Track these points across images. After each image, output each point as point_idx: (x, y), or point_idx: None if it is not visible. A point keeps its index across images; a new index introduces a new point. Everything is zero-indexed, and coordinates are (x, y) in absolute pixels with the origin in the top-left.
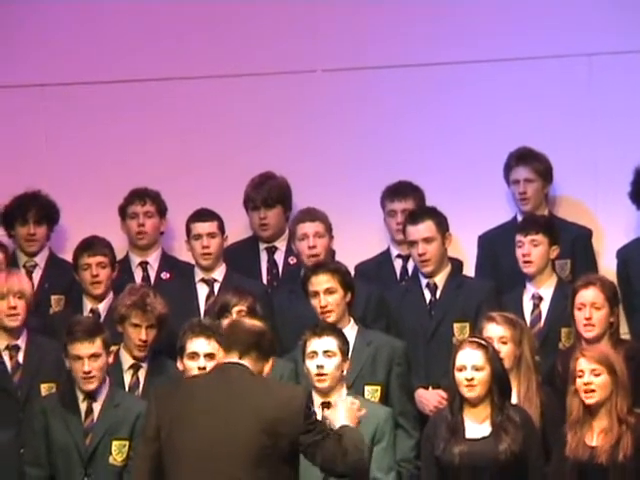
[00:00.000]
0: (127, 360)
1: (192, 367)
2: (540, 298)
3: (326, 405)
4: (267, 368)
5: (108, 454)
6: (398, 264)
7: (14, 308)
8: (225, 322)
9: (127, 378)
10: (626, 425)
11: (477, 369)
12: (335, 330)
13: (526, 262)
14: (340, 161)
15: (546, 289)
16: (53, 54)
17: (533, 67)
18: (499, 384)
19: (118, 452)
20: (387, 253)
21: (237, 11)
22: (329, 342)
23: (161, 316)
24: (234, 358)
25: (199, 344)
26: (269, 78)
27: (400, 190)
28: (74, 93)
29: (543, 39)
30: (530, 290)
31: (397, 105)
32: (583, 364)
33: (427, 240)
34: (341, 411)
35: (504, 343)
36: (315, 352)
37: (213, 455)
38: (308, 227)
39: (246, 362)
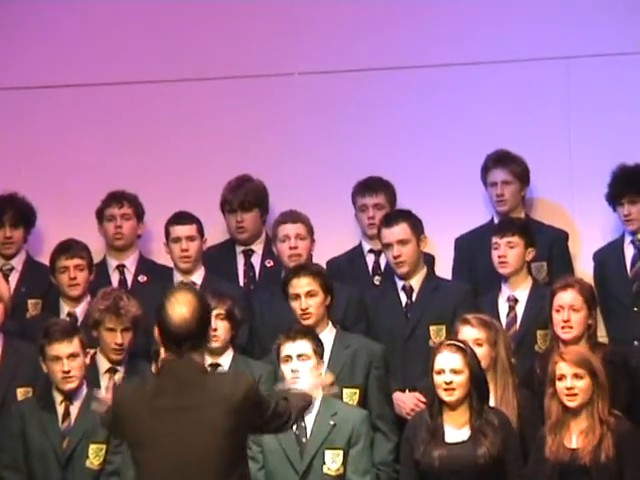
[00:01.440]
0: (104, 364)
1: None
2: (516, 300)
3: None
4: (208, 338)
5: (85, 457)
6: (370, 259)
7: None
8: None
9: (104, 382)
10: (607, 426)
11: (456, 372)
12: (309, 333)
13: (502, 263)
14: (317, 164)
15: (522, 291)
16: (34, 57)
17: (510, 70)
18: (477, 387)
19: (95, 456)
20: (359, 248)
21: (215, 14)
22: (303, 345)
23: (135, 318)
24: (175, 355)
25: None
26: (246, 81)
27: (371, 185)
28: (52, 96)
29: (520, 42)
30: (506, 292)
31: (373, 107)
32: (564, 368)
33: (402, 242)
34: (308, 379)
35: (479, 345)
36: (289, 356)
37: (180, 458)
38: (289, 228)
39: (189, 355)
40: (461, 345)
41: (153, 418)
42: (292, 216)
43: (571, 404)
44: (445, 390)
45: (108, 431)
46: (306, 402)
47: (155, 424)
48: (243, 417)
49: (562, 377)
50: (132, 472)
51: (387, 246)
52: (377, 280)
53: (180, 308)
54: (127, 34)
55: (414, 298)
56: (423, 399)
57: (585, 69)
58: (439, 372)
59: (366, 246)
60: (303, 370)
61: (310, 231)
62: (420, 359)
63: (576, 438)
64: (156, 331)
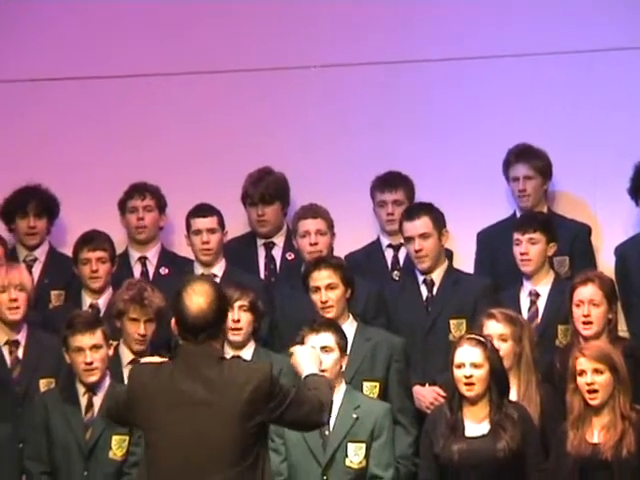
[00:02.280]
0: (126, 355)
1: None
2: (537, 295)
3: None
4: (225, 328)
5: (108, 449)
6: (389, 254)
7: (15, 301)
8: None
9: (126, 373)
10: (629, 421)
11: (476, 366)
12: (332, 326)
13: (524, 260)
14: (337, 157)
15: (543, 286)
16: (53, 48)
17: (533, 64)
18: (497, 381)
19: (118, 447)
20: (377, 243)
21: (234, 6)
22: (327, 338)
23: (159, 310)
24: (192, 343)
25: None
26: (268, 74)
27: (390, 181)
28: (75, 88)
29: (544, 36)
30: (527, 287)
31: (394, 101)
32: (584, 363)
33: (424, 236)
34: (303, 359)
35: (504, 340)
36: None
37: (191, 445)
38: (310, 224)
39: (206, 342)
40: (481, 339)
41: (167, 403)
42: (312, 211)
43: (593, 402)
44: (465, 384)
45: (110, 419)
46: (330, 387)
47: (169, 409)
48: (257, 405)
49: (582, 372)
50: None
51: (409, 240)
52: (396, 275)
53: (197, 298)
54: (146, 27)
55: (435, 292)
56: (443, 393)
57: (608, 63)
58: (459, 366)
59: (384, 241)
60: (326, 362)
61: (330, 225)
62: (440, 353)
63: (598, 433)
64: (173, 321)
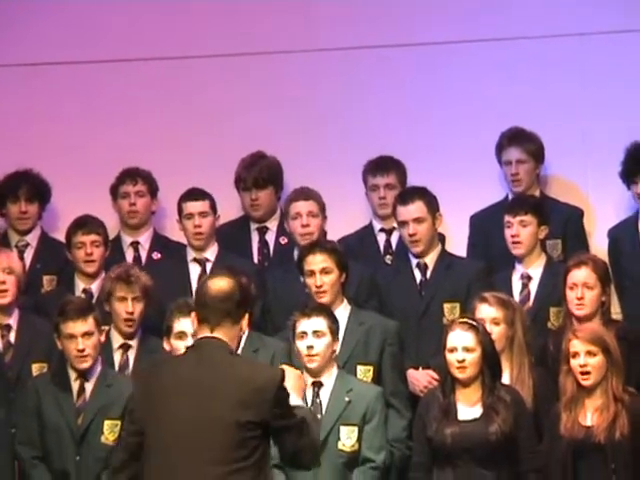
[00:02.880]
0: (117, 339)
1: (179, 347)
2: (529, 278)
3: (317, 384)
4: (244, 324)
5: (100, 434)
6: (382, 238)
7: (3, 283)
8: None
9: (117, 357)
10: (622, 403)
11: (468, 350)
12: (324, 310)
13: (515, 243)
14: (331, 140)
15: (535, 269)
16: (43, 33)
17: (525, 47)
18: (490, 365)
19: (110, 431)
20: (370, 227)
21: None
22: (318, 322)
23: (146, 287)
24: (207, 332)
25: (186, 324)
26: (259, 58)
27: (382, 165)
28: (67, 72)
29: (534, 19)
30: (519, 270)
31: (386, 84)
32: (577, 345)
33: (418, 220)
34: (289, 382)
35: (496, 324)
36: (305, 332)
37: (187, 446)
38: (301, 206)
39: (220, 334)
40: (473, 323)
41: (167, 393)
42: (304, 193)
43: (586, 383)
44: (457, 368)
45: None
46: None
47: (170, 399)
48: (260, 404)
49: (575, 354)
50: None
51: (402, 224)
52: (388, 259)
53: (220, 282)
54: (139, 11)
55: (428, 275)
56: (436, 376)
57: (600, 45)
58: (452, 350)
59: (377, 225)
60: (318, 346)
61: (322, 208)
62: (434, 337)
63: (591, 415)
64: (193, 315)
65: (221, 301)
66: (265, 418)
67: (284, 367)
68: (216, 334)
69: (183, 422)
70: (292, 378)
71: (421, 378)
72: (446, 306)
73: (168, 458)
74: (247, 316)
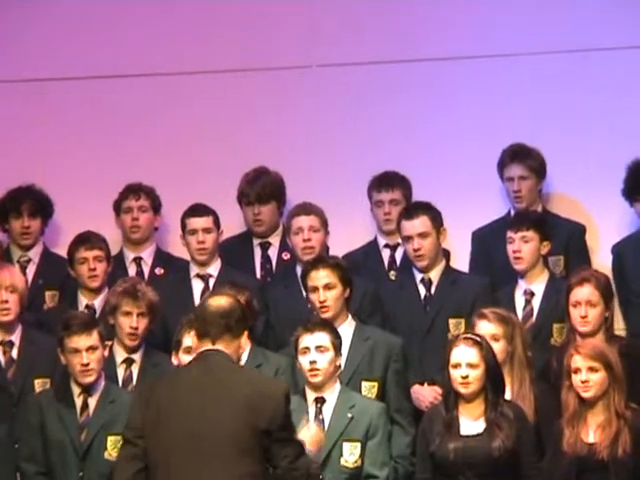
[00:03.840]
0: (120, 354)
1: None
2: (532, 294)
3: (320, 400)
4: (243, 341)
5: (104, 449)
6: (386, 254)
7: (5, 302)
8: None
9: (120, 372)
10: (624, 420)
11: (472, 366)
12: (327, 325)
13: (517, 259)
14: (333, 157)
15: (538, 285)
16: (45, 49)
17: (527, 63)
18: (493, 381)
19: (113, 447)
20: (374, 243)
21: (230, 5)
22: (321, 337)
23: (152, 304)
24: (208, 345)
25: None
26: (264, 74)
27: (386, 180)
28: (70, 88)
29: (537, 35)
30: (522, 286)
31: (392, 101)
32: (579, 361)
33: (422, 235)
34: (309, 436)
35: (496, 340)
36: (307, 348)
37: (198, 447)
38: (303, 221)
39: (221, 347)
40: (477, 339)
41: (172, 402)
42: (305, 208)
43: (586, 394)
44: (461, 384)
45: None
46: (318, 473)
47: (173, 407)
48: (264, 415)
49: (577, 370)
50: None
51: (407, 239)
52: (393, 275)
53: (220, 299)
54: (141, 25)
55: (433, 291)
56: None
57: (603, 62)
58: (455, 366)
59: (381, 241)
60: (321, 362)
61: (324, 223)
62: (439, 352)
63: (593, 432)
64: (193, 333)
65: (221, 317)
66: (271, 426)
67: (310, 424)
68: (217, 347)
69: (191, 431)
70: (314, 436)
71: (427, 394)
72: (451, 322)
73: (177, 468)
74: (246, 333)
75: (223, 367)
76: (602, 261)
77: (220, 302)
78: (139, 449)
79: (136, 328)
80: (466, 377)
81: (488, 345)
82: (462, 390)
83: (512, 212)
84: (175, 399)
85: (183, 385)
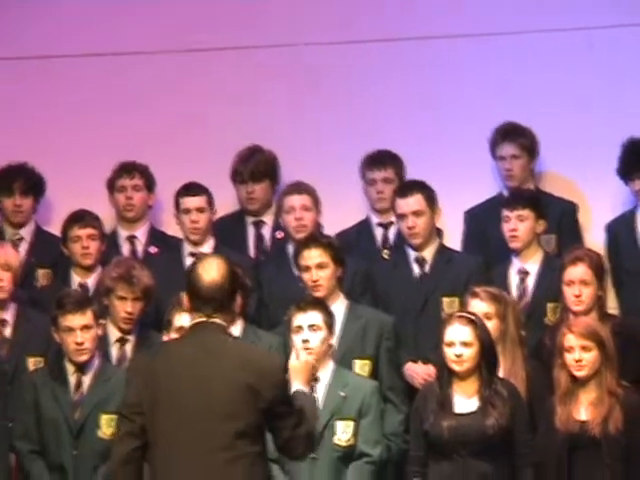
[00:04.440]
0: (114, 333)
1: None
2: (526, 272)
3: (314, 379)
4: (237, 303)
5: (97, 428)
6: (379, 232)
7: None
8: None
9: (114, 351)
10: (616, 398)
11: (466, 345)
12: (320, 304)
13: (513, 237)
14: (327, 135)
15: (532, 263)
16: (37, 26)
17: (519, 41)
18: (487, 359)
19: (107, 426)
20: (367, 222)
21: None
22: (314, 316)
23: (147, 288)
24: (202, 318)
25: (186, 318)
26: (255, 51)
27: (379, 159)
28: (61, 66)
29: (531, 13)
30: (516, 264)
31: (383, 79)
32: (572, 340)
33: (417, 213)
34: (298, 370)
35: (488, 319)
36: (300, 327)
37: (197, 427)
38: (295, 200)
39: (217, 319)
40: (472, 317)
41: (169, 377)
42: (297, 187)
43: (579, 374)
44: (455, 362)
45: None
46: (315, 429)
47: (171, 382)
48: (259, 394)
49: (570, 349)
50: None
51: (401, 217)
52: (386, 254)
53: (211, 270)
54: (134, 3)
55: (427, 269)
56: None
57: (595, 40)
58: (449, 344)
59: (374, 219)
60: (314, 341)
61: (316, 202)
62: (433, 331)
63: (585, 410)
64: (185, 298)
65: (215, 292)
66: (269, 399)
67: (298, 353)
68: (212, 320)
69: (188, 406)
70: (303, 366)
71: (420, 371)
72: (445, 300)
73: (175, 444)
74: (238, 298)
75: (219, 342)
76: (595, 240)
77: (212, 275)
78: (136, 425)
79: (131, 313)
80: (460, 355)
81: (482, 324)
82: (456, 368)
83: (504, 191)
84: (172, 376)
85: (179, 361)
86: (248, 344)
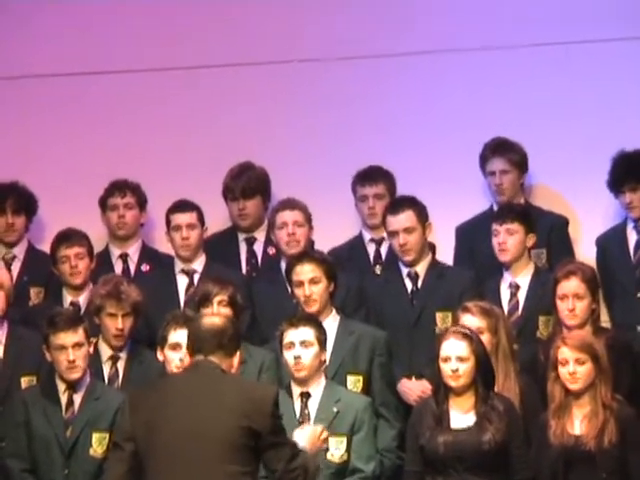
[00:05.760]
0: (105, 351)
1: (173, 358)
2: (517, 287)
3: (305, 395)
4: (235, 362)
5: (89, 446)
6: (371, 248)
7: None
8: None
9: (106, 369)
10: (610, 411)
11: (462, 360)
12: (312, 320)
13: (502, 250)
14: (319, 151)
15: (523, 277)
16: (27, 46)
17: (510, 56)
18: (483, 374)
19: (98, 444)
20: (360, 238)
21: (214, 3)
22: (306, 332)
23: (136, 304)
24: (201, 357)
25: (181, 335)
26: (247, 69)
27: (370, 175)
28: (53, 85)
29: (519, 28)
30: (507, 279)
31: (373, 95)
32: (566, 353)
33: (408, 230)
34: (305, 435)
35: (480, 333)
36: (292, 343)
37: (188, 452)
38: (287, 216)
39: (213, 359)
40: (467, 332)
41: (166, 408)
42: (289, 203)
43: (573, 387)
44: (451, 377)
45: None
46: (317, 469)
47: (168, 413)
48: (254, 417)
49: (564, 362)
50: None
51: (393, 234)
52: (378, 269)
53: (213, 318)
54: (125, 22)
55: (420, 285)
56: (430, 386)
57: (584, 54)
58: (445, 359)
59: (367, 235)
60: (306, 357)
61: (308, 218)
62: (426, 346)
63: (579, 424)
64: (186, 353)
65: (214, 335)
66: (261, 428)
67: (305, 428)
68: (210, 358)
69: (183, 434)
70: (310, 433)
71: (414, 388)
72: (438, 315)
73: (167, 469)
74: (239, 354)
75: (213, 374)
76: (586, 253)
77: (214, 320)
78: (126, 453)
79: (122, 329)
80: (456, 370)
81: (478, 338)
82: (452, 383)
83: (495, 206)
84: (165, 404)
85: (173, 390)
86: (243, 378)
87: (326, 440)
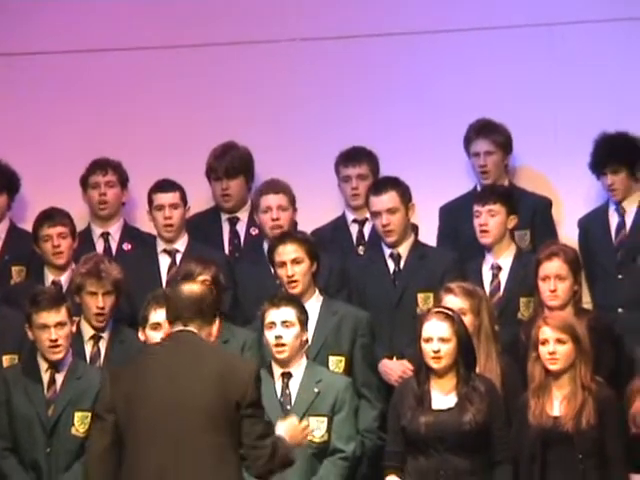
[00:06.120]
0: (88, 331)
1: (155, 337)
2: (499, 268)
3: (286, 375)
4: (214, 330)
5: (70, 425)
6: (354, 229)
7: None
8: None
9: (88, 349)
10: (589, 392)
11: (443, 340)
12: (293, 300)
13: (483, 232)
14: (302, 131)
15: (505, 259)
16: (11, 23)
17: (494, 37)
18: (465, 355)
19: (80, 423)
20: (343, 218)
21: None
22: (287, 312)
23: (117, 281)
24: (179, 327)
25: (162, 315)
26: (231, 48)
27: (353, 155)
28: (35, 62)
29: (503, 9)
30: (489, 260)
31: (358, 76)
32: (547, 332)
33: (391, 211)
34: (287, 427)
35: (463, 314)
36: (273, 323)
37: (170, 423)
38: (271, 199)
39: (192, 328)
40: (449, 313)
41: (145, 384)
42: (274, 186)
43: (553, 367)
44: (433, 358)
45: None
46: (289, 460)
47: (147, 390)
48: (236, 388)
49: (545, 342)
50: None
51: (376, 214)
52: (361, 250)
53: (192, 286)
54: (108, 1)
55: (402, 265)
56: (411, 367)
57: (568, 36)
58: (427, 340)
59: (350, 216)
60: (287, 337)
61: (292, 201)
62: (408, 327)
63: (559, 404)
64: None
65: (193, 302)
66: (240, 399)
67: (288, 420)
68: (189, 328)
69: (163, 405)
70: (291, 427)
71: (395, 368)
72: (420, 296)
73: (150, 441)
74: (217, 321)
75: (194, 344)
76: (568, 235)
77: (192, 288)
78: (109, 423)
79: (102, 308)
80: (438, 351)
81: (460, 319)
82: (434, 364)
83: (479, 187)
84: (145, 375)
85: (153, 362)
86: (223, 349)
87: (306, 437)
